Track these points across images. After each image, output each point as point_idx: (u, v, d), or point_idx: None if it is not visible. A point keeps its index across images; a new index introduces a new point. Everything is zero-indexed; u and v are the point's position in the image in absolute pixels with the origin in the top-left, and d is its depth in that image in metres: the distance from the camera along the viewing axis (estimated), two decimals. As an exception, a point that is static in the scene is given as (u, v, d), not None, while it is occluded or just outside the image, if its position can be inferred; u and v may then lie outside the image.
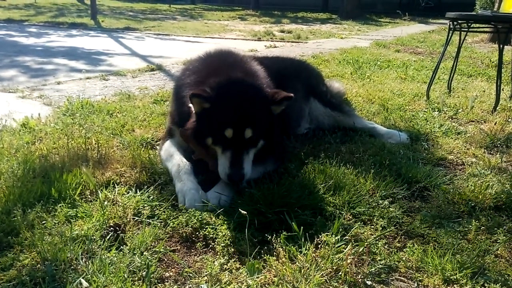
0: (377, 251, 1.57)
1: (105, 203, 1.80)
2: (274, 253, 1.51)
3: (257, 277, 1.39)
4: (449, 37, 3.80)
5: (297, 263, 1.45)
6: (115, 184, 2.02)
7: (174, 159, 2.09)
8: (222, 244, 1.57)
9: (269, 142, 2.08)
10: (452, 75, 4.19)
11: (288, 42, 8.73)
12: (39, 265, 1.42)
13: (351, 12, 16.71)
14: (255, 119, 1.97)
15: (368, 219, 1.80)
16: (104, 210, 1.74)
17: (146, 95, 3.80)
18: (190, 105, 1.99)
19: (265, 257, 1.48)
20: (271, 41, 8.63)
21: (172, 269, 1.47)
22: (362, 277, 1.43)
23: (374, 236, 1.66)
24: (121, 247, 1.53)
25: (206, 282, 1.38)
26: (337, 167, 2.17)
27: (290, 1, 24.18)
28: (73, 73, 4.91)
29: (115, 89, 4.07)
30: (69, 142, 2.40)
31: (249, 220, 1.58)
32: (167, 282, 1.41)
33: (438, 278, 1.44)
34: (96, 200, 1.83)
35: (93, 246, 1.52)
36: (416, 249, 1.59)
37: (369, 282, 1.43)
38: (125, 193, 1.93)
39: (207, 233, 1.64)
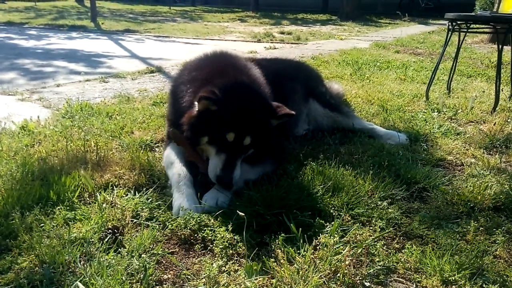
0: (375, 252, 1.56)
1: (104, 205, 1.80)
2: (273, 255, 1.51)
3: (256, 279, 1.39)
4: (448, 37, 3.80)
5: (295, 265, 1.45)
6: (114, 187, 2.02)
7: (174, 167, 2.08)
8: (221, 246, 1.56)
9: (266, 145, 2.08)
10: (451, 76, 4.19)
11: (288, 43, 8.73)
12: (37, 268, 1.42)
13: (351, 13, 16.73)
14: (256, 129, 1.99)
15: (366, 220, 1.79)
16: (103, 213, 1.74)
17: (145, 97, 3.81)
18: (196, 103, 1.99)
19: (263, 259, 1.48)
20: (271, 42, 8.64)
21: (170, 271, 1.47)
22: (360, 278, 1.43)
23: (373, 237, 1.66)
24: (119, 249, 1.53)
25: (204, 284, 1.38)
26: (336, 168, 2.17)
27: (290, 3, 24.23)
28: (72, 76, 4.92)
29: (115, 91, 4.07)
30: (68, 144, 2.40)
31: (248, 222, 1.58)
32: (165, 284, 1.41)
33: (436, 279, 1.44)
34: (95, 203, 1.83)
35: (91, 249, 1.52)
36: (414, 250, 1.58)
37: (367, 284, 1.42)
38: (124, 195, 1.93)
39: (206, 235, 1.64)
